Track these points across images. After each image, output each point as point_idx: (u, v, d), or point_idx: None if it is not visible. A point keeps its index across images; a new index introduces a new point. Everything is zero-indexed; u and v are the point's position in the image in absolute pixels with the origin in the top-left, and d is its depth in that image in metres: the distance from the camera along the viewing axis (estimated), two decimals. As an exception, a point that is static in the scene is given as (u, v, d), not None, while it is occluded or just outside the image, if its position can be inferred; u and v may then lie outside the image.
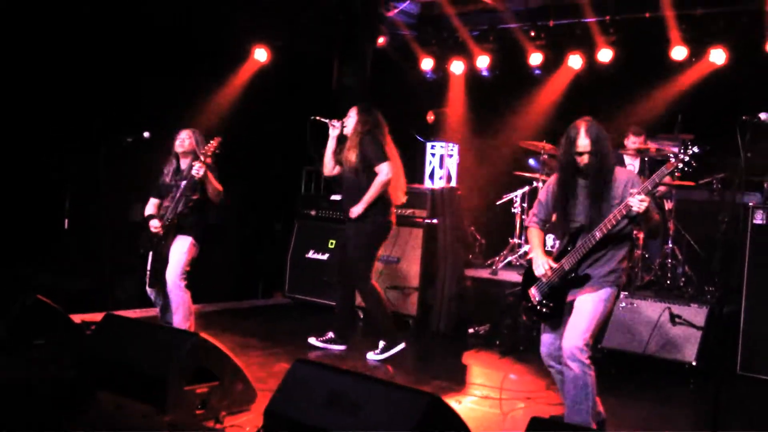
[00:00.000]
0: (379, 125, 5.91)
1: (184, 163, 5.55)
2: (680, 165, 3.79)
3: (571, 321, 3.97)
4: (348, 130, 5.86)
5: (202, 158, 5.31)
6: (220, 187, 5.48)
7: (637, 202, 3.72)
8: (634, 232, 4.19)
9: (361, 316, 7.39)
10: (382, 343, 5.82)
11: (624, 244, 4.05)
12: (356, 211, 5.71)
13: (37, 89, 6.64)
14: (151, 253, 5.53)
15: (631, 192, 3.80)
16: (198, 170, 5.29)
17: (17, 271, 6.36)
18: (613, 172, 4.01)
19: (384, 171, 5.71)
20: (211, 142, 5.42)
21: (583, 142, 3.94)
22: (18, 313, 4.87)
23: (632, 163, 7.28)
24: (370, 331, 6.19)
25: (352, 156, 5.75)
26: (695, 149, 3.76)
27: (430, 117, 8.64)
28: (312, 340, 6.00)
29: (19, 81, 6.53)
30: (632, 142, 7.11)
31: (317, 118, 5.91)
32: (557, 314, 4.10)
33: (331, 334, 6.03)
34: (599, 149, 3.95)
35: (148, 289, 5.62)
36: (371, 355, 5.79)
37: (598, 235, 3.91)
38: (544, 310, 4.14)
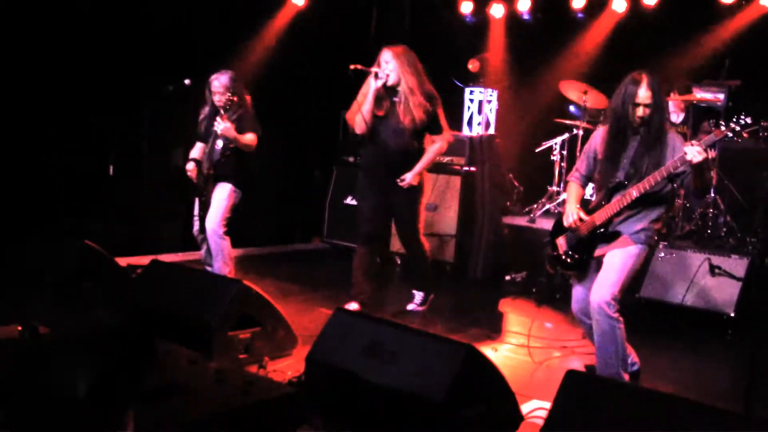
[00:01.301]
0: (420, 68, 5.30)
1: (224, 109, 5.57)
2: (730, 134, 3.72)
3: (600, 275, 3.99)
4: (392, 80, 5.16)
5: (220, 116, 5.29)
6: (247, 141, 5.44)
7: (695, 153, 3.63)
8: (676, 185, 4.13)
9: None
10: (420, 294, 5.76)
11: (660, 206, 4.02)
12: (412, 180, 5.24)
13: (78, 40, 6.70)
14: (197, 200, 5.64)
15: (691, 143, 3.69)
16: (217, 128, 5.31)
17: (65, 220, 6.54)
18: (666, 132, 3.95)
19: (446, 141, 5.39)
20: (233, 97, 5.38)
21: (645, 94, 3.88)
22: (68, 259, 5.03)
23: (676, 111, 7.16)
24: (410, 280, 6.06)
25: (410, 116, 5.14)
26: (747, 120, 3.68)
27: (474, 64, 8.50)
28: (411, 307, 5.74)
29: (60, 33, 6.59)
30: (677, 98, 7.00)
31: (358, 66, 5.26)
32: (582, 267, 4.13)
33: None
34: (659, 103, 3.90)
35: (195, 233, 5.74)
36: (413, 306, 5.75)
37: (635, 193, 3.88)
38: (568, 260, 4.17)
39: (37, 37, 6.40)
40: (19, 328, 3.39)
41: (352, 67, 5.16)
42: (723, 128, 3.72)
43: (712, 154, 6.94)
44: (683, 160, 3.71)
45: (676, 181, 3.96)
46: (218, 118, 5.30)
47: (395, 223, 5.57)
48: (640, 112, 3.91)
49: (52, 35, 6.47)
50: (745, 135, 3.75)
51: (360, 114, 5.19)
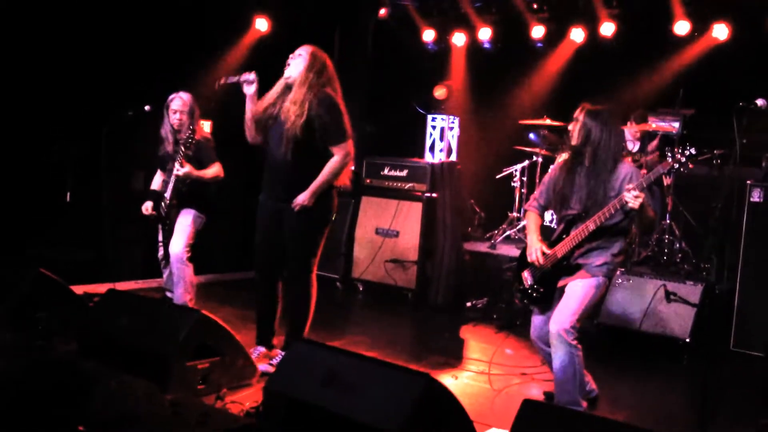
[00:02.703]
0: (334, 79, 4.71)
1: (180, 132, 5.52)
2: (676, 165, 3.83)
3: (560, 304, 4.06)
4: (294, 77, 4.57)
5: (180, 157, 5.21)
6: (211, 175, 5.40)
7: (632, 198, 3.75)
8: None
9: (361, 288, 7.48)
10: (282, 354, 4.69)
11: (618, 238, 4.10)
12: (304, 201, 4.56)
13: (37, 64, 6.63)
14: (160, 226, 5.58)
15: (627, 187, 3.82)
16: (177, 171, 5.23)
17: (21, 247, 6.43)
18: (615, 164, 4.03)
19: (347, 153, 4.62)
20: (202, 127, 5.31)
21: (577, 111, 4.08)
22: (22, 287, 4.94)
23: (632, 141, 7.32)
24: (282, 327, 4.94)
25: (299, 120, 4.46)
26: (692, 150, 3.80)
27: (440, 91, 8.59)
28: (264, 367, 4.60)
29: (19, 56, 6.52)
30: (634, 129, 7.19)
31: (222, 81, 4.75)
32: (548, 299, 4.20)
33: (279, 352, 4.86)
34: (594, 140, 4.01)
35: (160, 257, 5.68)
36: (265, 367, 4.58)
37: (591, 226, 3.96)
38: (534, 294, 4.23)
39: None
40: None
41: (217, 86, 4.83)
42: (669, 159, 3.82)
43: (667, 180, 7.10)
44: (622, 202, 3.81)
45: (629, 215, 4.04)
46: (176, 164, 5.22)
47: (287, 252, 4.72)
48: (570, 126, 4.09)
49: (8, 59, 6.40)
50: (690, 165, 3.83)
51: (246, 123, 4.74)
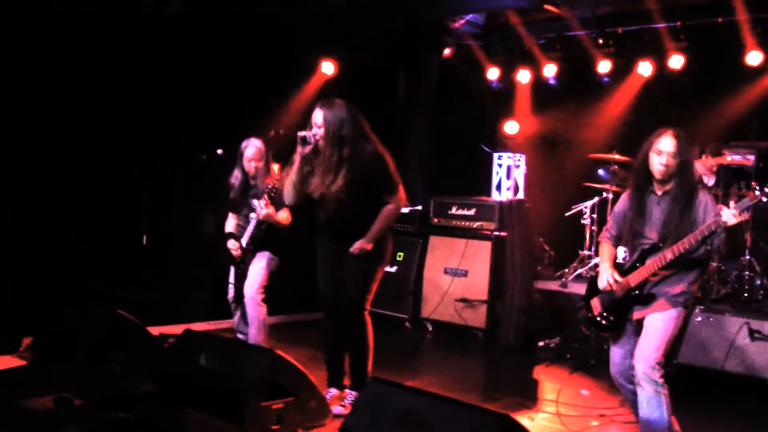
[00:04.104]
0: (361, 124, 4.71)
1: (252, 180, 5.64)
2: (764, 199, 3.68)
3: (642, 340, 3.92)
4: (321, 148, 4.60)
5: (264, 199, 5.27)
6: (282, 219, 5.46)
7: (730, 215, 3.58)
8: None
9: (430, 328, 7.42)
10: (353, 394, 4.71)
11: (696, 267, 3.96)
12: (363, 248, 4.65)
13: (115, 110, 6.89)
14: (232, 268, 5.67)
15: (730, 205, 3.63)
16: (259, 212, 5.31)
17: (98, 288, 6.61)
18: (695, 192, 3.92)
19: (399, 199, 4.72)
20: (274, 171, 5.40)
21: (669, 142, 3.85)
22: (100, 328, 5.06)
23: (707, 175, 7.13)
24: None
25: (339, 190, 4.57)
26: None
27: (510, 127, 8.60)
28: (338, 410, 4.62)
29: (97, 103, 6.79)
30: (709, 164, 7.00)
31: (281, 132, 4.99)
32: (616, 328, 4.08)
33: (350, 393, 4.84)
34: (685, 157, 3.88)
35: (230, 299, 5.76)
36: (339, 410, 4.60)
37: (669, 255, 3.83)
38: (603, 322, 4.12)
39: (70, 112, 6.59)
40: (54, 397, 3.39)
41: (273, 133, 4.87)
42: (757, 192, 3.68)
43: (744, 216, 6.85)
44: (717, 222, 3.67)
45: (708, 242, 3.90)
46: (261, 202, 5.29)
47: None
48: (663, 160, 3.87)
49: (86, 110, 6.67)
50: None
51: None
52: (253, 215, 5.41)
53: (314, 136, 4.57)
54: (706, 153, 7.08)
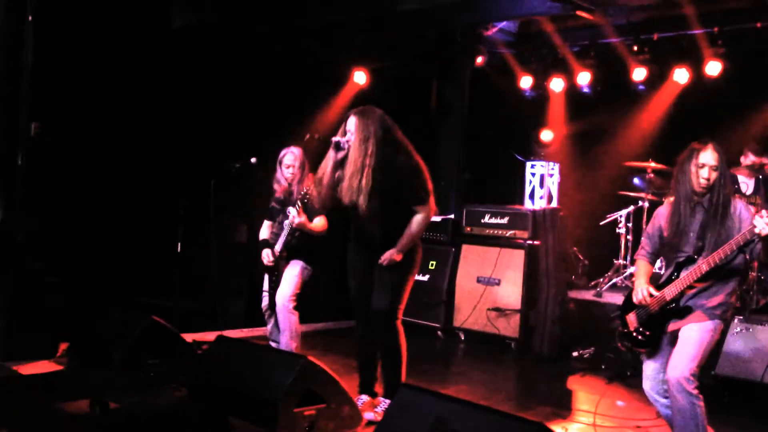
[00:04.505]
0: (394, 131, 4.70)
1: (290, 187, 5.67)
2: None
3: (677, 350, 3.85)
4: (351, 156, 4.57)
5: (297, 207, 5.30)
6: (318, 228, 5.47)
7: (764, 224, 3.52)
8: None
9: (463, 337, 7.38)
10: (387, 402, 4.66)
11: (733, 278, 3.89)
12: (393, 258, 4.66)
13: (150, 118, 6.99)
14: (266, 275, 5.70)
15: (761, 213, 3.57)
16: (292, 220, 5.34)
17: (133, 297, 6.69)
18: (731, 202, 3.87)
19: (429, 209, 4.71)
20: (307, 180, 5.43)
21: (711, 155, 3.85)
22: (135, 334, 5.12)
23: (746, 182, 6.98)
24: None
25: (369, 198, 4.56)
26: None
27: (546, 135, 8.55)
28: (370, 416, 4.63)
29: (133, 112, 6.90)
30: (750, 161, 6.85)
31: (316, 136, 5.04)
32: (653, 344, 4.02)
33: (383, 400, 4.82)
34: (724, 170, 3.86)
35: (263, 307, 5.78)
36: (372, 416, 4.63)
37: (705, 267, 3.77)
38: (640, 337, 4.06)
39: (107, 122, 6.71)
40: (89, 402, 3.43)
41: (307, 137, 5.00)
42: None
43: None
44: (752, 232, 3.60)
45: (746, 251, 3.83)
46: (293, 210, 5.31)
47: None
48: (705, 174, 3.85)
49: (121, 120, 6.78)
50: None
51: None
52: (287, 222, 5.44)
53: (347, 142, 4.57)
54: (746, 153, 6.93)
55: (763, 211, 3.59)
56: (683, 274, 3.88)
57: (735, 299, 3.99)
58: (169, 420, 3.22)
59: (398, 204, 4.62)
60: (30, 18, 5.61)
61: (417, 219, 4.65)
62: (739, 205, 3.88)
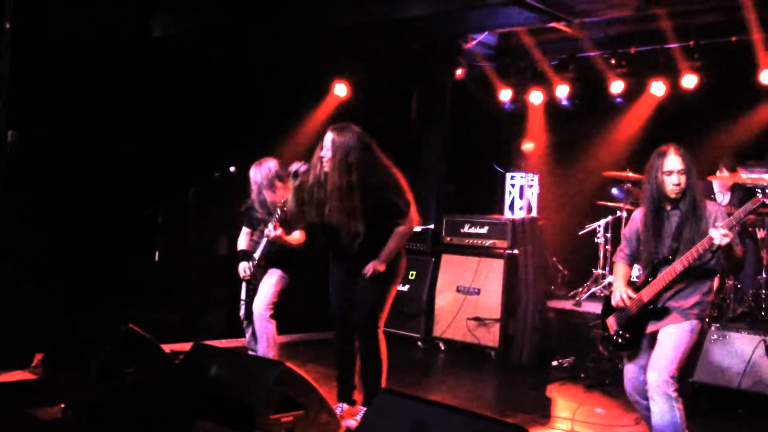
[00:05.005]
0: (371, 149, 4.72)
1: (269, 195, 5.66)
2: (767, 201, 3.66)
3: (656, 353, 3.87)
4: (330, 173, 4.59)
5: (275, 220, 5.27)
6: (296, 241, 5.47)
7: (720, 236, 3.60)
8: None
9: (442, 347, 7.37)
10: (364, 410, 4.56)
11: (708, 277, 3.94)
12: (376, 269, 4.68)
13: (126, 128, 6.96)
14: (244, 284, 5.67)
15: (715, 225, 3.69)
16: (268, 233, 5.32)
17: (111, 306, 6.63)
18: (703, 202, 3.92)
19: (411, 220, 4.76)
20: (283, 191, 5.39)
21: (674, 160, 3.87)
22: (111, 342, 5.06)
23: (721, 192, 7.07)
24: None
25: (350, 220, 4.62)
26: None
27: (528, 145, 8.62)
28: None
29: (108, 120, 6.87)
30: (726, 176, 6.94)
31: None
32: (633, 346, 4.03)
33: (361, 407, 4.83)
34: (691, 170, 3.87)
35: (241, 316, 5.75)
36: (352, 422, 4.67)
37: (679, 268, 3.81)
38: (620, 340, 4.07)
39: (83, 129, 6.67)
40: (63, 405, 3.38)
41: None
42: (760, 195, 3.66)
43: (761, 233, 6.81)
44: (710, 242, 3.66)
45: (716, 254, 3.86)
46: (270, 225, 5.31)
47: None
48: (675, 180, 3.88)
49: (98, 127, 6.75)
50: None
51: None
52: (267, 231, 5.42)
53: (322, 158, 4.59)
54: (721, 167, 7.03)
55: (719, 223, 3.66)
56: (659, 275, 3.91)
57: (713, 298, 4.03)
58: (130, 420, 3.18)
59: (377, 219, 4.64)
60: (7, 26, 5.57)
61: (399, 231, 4.69)
62: (715, 209, 3.91)
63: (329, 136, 4.60)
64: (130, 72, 6.95)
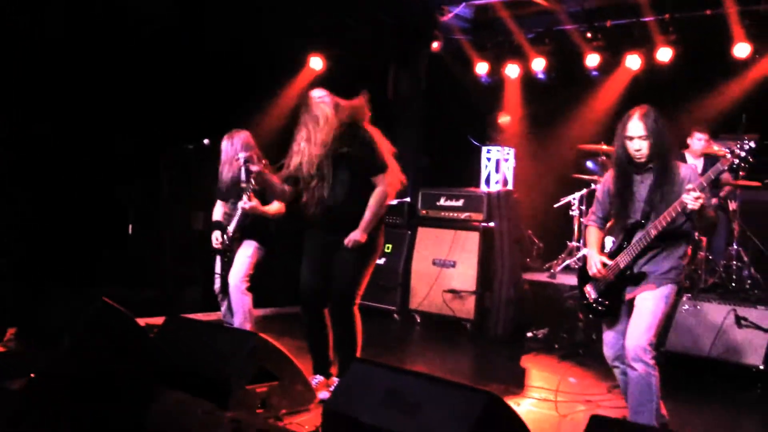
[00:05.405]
0: (354, 109, 4.76)
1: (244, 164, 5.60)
2: (736, 161, 3.66)
3: (633, 320, 3.90)
4: (314, 126, 4.63)
5: (248, 191, 5.23)
6: (274, 212, 5.45)
7: (692, 200, 3.59)
8: (696, 234, 4.11)
9: (419, 320, 7.40)
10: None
11: (682, 241, 3.95)
12: (358, 239, 4.61)
13: (98, 102, 6.86)
14: (219, 257, 5.64)
15: (686, 188, 3.69)
16: (243, 205, 5.29)
17: (84, 283, 6.57)
18: (675, 166, 3.90)
19: (388, 183, 4.70)
20: (256, 168, 5.30)
21: (636, 125, 3.83)
22: (85, 316, 5.02)
23: (695, 163, 7.12)
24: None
25: (329, 162, 4.63)
26: (751, 144, 3.64)
27: (504, 118, 8.62)
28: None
29: (80, 95, 6.76)
30: (698, 139, 6.97)
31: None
32: (613, 312, 4.04)
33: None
34: (656, 135, 3.82)
35: (216, 290, 5.73)
36: (325, 394, 4.51)
37: (653, 232, 3.82)
38: (599, 308, 4.09)
39: (53, 102, 6.56)
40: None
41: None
42: (728, 155, 3.67)
43: (732, 205, 6.88)
44: (683, 206, 3.66)
45: (691, 217, 3.88)
46: (244, 196, 5.25)
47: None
48: (635, 146, 3.86)
49: (70, 101, 6.64)
50: (751, 159, 3.67)
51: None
52: (241, 203, 5.38)
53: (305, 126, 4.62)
54: (691, 135, 7.06)
55: (690, 186, 3.65)
56: (634, 240, 3.92)
57: (686, 262, 4.04)
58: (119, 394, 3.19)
59: (356, 177, 4.60)
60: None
61: (376, 193, 4.62)
62: (687, 172, 3.90)
63: (314, 94, 4.67)
64: (100, 45, 6.83)
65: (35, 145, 6.53)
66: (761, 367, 5.36)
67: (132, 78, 6.98)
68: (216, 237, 5.54)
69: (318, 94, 4.69)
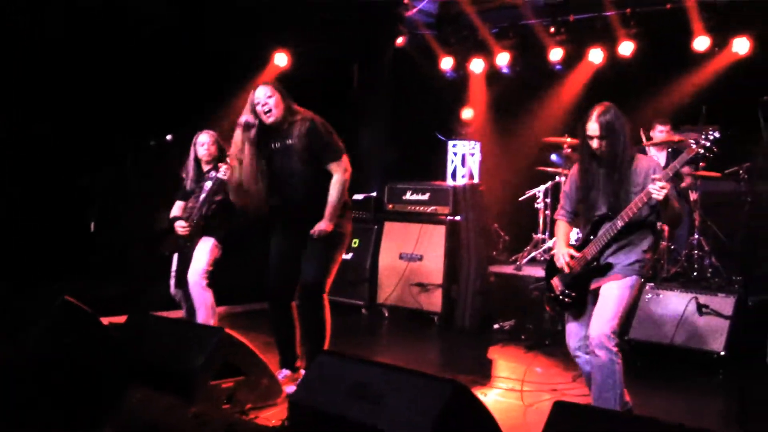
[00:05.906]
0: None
1: (206, 166, 5.59)
2: (701, 151, 3.75)
3: (597, 309, 3.94)
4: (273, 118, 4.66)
5: (221, 174, 5.12)
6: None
7: (657, 190, 3.68)
8: (659, 224, 4.17)
9: (387, 314, 7.42)
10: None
11: (647, 233, 4.01)
12: (324, 228, 4.66)
13: (61, 97, 6.74)
14: (175, 255, 5.59)
15: (652, 178, 3.77)
16: (226, 172, 5.26)
17: (45, 280, 6.46)
18: (632, 159, 3.97)
19: (345, 169, 4.74)
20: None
21: (593, 127, 3.93)
22: (47, 314, 4.94)
23: (657, 155, 7.22)
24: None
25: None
26: (715, 134, 3.72)
27: (467, 113, 8.68)
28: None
29: (38, 87, 6.64)
30: (659, 131, 7.06)
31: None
32: (580, 304, 4.09)
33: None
34: (610, 134, 3.90)
35: (173, 291, 5.68)
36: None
37: (619, 223, 3.89)
38: (566, 300, 4.12)
39: (14, 92, 6.44)
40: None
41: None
42: (693, 145, 3.75)
43: (693, 196, 6.99)
44: (648, 196, 3.74)
45: (656, 209, 3.95)
46: (222, 168, 5.03)
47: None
48: (595, 144, 3.95)
49: (31, 92, 6.52)
50: (715, 149, 3.76)
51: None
52: (207, 186, 5.32)
53: (253, 118, 4.64)
54: (653, 127, 7.15)
55: (656, 176, 3.73)
56: (600, 232, 3.98)
57: (651, 256, 4.11)
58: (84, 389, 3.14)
59: (314, 164, 4.66)
60: None
61: (335, 181, 4.67)
62: (648, 164, 3.98)
63: (265, 88, 4.67)
64: (66, 39, 6.71)
65: (35, 145, 6.41)
66: (722, 353, 5.46)
67: (94, 73, 6.87)
68: (180, 224, 5.48)
69: (275, 84, 4.73)
